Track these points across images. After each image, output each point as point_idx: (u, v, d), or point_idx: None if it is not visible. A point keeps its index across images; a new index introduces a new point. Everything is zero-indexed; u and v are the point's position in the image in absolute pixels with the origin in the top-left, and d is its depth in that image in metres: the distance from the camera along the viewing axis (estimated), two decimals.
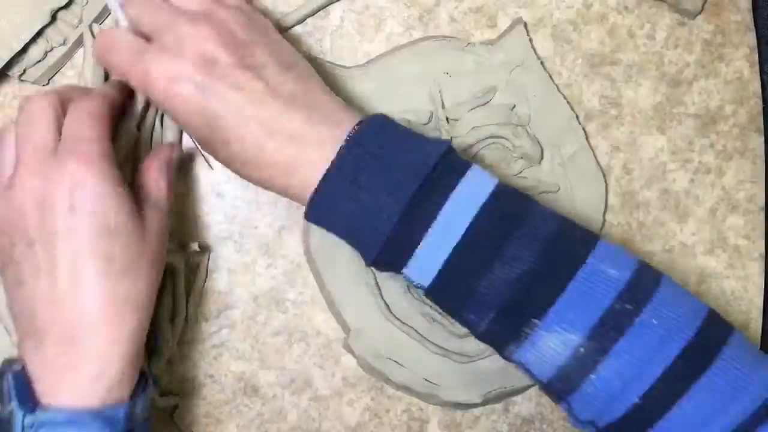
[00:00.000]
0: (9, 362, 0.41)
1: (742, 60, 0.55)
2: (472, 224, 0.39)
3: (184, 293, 0.52)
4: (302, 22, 0.54)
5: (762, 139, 0.55)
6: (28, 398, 0.38)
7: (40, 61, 0.52)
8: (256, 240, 0.54)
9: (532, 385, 0.54)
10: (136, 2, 0.44)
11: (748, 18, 0.55)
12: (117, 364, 0.40)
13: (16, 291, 0.41)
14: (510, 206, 0.40)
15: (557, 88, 0.53)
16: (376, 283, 0.53)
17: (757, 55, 0.55)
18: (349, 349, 0.53)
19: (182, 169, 0.54)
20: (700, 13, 0.54)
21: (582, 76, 0.54)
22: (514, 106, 0.53)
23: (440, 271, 0.40)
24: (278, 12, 0.54)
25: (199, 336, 0.54)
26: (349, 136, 0.40)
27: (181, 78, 0.40)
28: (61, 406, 0.39)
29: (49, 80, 0.53)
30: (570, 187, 0.53)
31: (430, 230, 0.39)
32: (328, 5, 0.54)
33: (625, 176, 0.55)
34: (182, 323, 0.52)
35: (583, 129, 0.54)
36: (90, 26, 0.50)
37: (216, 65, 0.40)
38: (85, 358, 0.39)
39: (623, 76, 0.55)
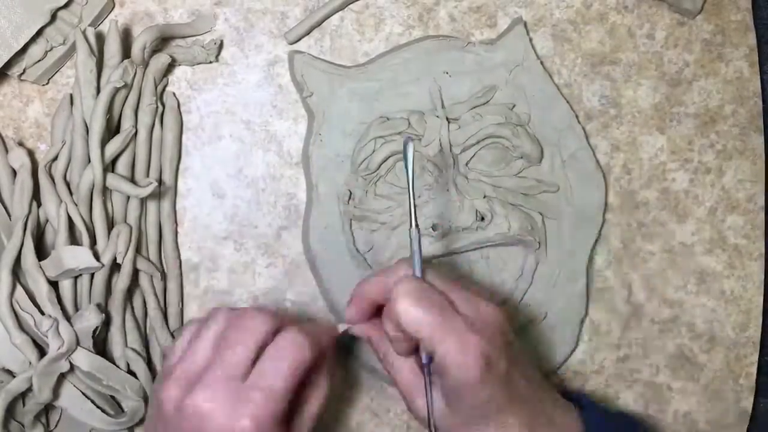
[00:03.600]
0: None
1: (742, 60, 0.55)
2: None
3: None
4: (308, 34, 0.54)
5: (762, 139, 0.55)
6: None
7: (40, 60, 0.52)
8: (256, 240, 0.54)
9: None
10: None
11: (748, 18, 0.55)
12: None
13: None
14: None
15: (557, 87, 0.53)
16: None
17: (757, 55, 0.55)
18: (348, 349, 0.53)
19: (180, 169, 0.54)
20: (699, 12, 0.54)
21: (582, 76, 0.54)
22: (514, 106, 0.53)
23: None
24: (278, 13, 0.54)
25: None
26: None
27: (490, 355, 0.42)
28: None
29: (48, 80, 0.53)
30: (570, 186, 0.53)
31: None
32: (331, 15, 0.54)
33: (625, 176, 0.55)
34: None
35: (583, 129, 0.54)
36: (84, 30, 0.50)
37: (510, 347, 0.44)
38: None
39: (623, 75, 0.55)
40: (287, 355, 0.41)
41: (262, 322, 0.42)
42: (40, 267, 0.49)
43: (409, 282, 0.43)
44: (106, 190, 0.51)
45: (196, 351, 0.42)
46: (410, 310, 0.42)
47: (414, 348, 0.45)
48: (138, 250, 0.51)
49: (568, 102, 0.53)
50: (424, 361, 0.44)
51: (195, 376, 0.41)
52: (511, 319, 0.48)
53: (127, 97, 0.51)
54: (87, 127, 0.50)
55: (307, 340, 0.42)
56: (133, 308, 0.52)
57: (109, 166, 0.51)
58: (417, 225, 0.45)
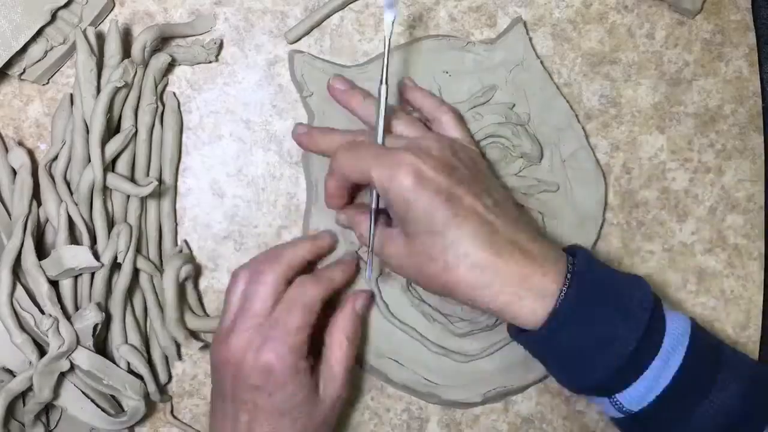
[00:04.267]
0: None
1: (741, 59, 0.55)
2: (686, 355, 0.43)
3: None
4: (308, 33, 0.54)
5: (762, 139, 0.55)
6: None
7: (40, 60, 0.52)
8: (256, 240, 0.54)
9: (532, 384, 0.54)
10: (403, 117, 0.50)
11: (748, 18, 0.55)
12: None
13: (215, 419, 0.49)
14: (707, 339, 0.45)
15: (557, 87, 0.53)
16: (376, 283, 0.52)
17: (756, 55, 0.55)
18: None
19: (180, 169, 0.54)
20: (699, 12, 0.54)
21: (581, 76, 0.54)
22: (514, 105, 0.53)
23: (657, 398, 0.43)
24: (278, 13, 0.54)
25: (199, 335, 0.53)
26: (570, 271, 0.43)
27: (421, 168, 0.44)
28: None
29: (49, 79, 0.53)
30: (570, 186, 0.53)
31: (656, 359, 0.42)
32: (331, 14, 0.54)
33: (624, 175, 0.55)
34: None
35: (583, 128, 0.54)
36: (84, 30, 0.50)
37: (455, 171, 0.45)
38: None
39: (623, 75, 0.55)
40: (297, 297, 0.47)
41: (273, 278, 0.48)
42: (40, 266, 0.49)
43: (345, 142, 0.48)
44: (106, 190, 0.51)
45: (227, 311, 0.49)
46: (341, 158, 0.46)
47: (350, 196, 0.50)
48: (138, 250, 0.51)
49: (568, 102, 0.53)
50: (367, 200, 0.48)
51: (229, 331, 0.47)
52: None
53: (127, 96, 0.51)
54: (87, 126, 0.50)
55: (314, 283, 0.48)
56: (133, 307, 0.52)
57: (110, 166, 0.51)
58: (386, 82, 0.47)
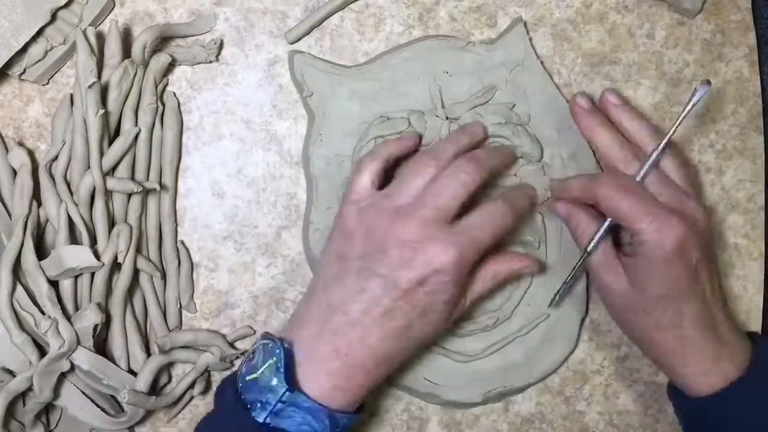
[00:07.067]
0: (277, 338, 0.46)
1: (742, 60, 0.55)
2: None
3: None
4: (308, 34, 0.54)
5: (762, 139, 0.55)
6: (291, 378, 0.44)
7: (40, 60, 0.52)
8: (256, 240, 0.54)
9: (532, 385, 0.54)
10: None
11: (748, 18, 0.55)
12: (368, 384, 0.46)
13: (333, 288, 0.46)
14: None
15: (557, 87, 0.53)
16: None
17: (756, 55, 0.55)
18: None
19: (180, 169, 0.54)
20: (699, 12, 0.54)
21: (582, 76, 0.54)
22: (514, 106, 0.53)
23: None
24: (279, 13, 0.54)
25: None
26: (753, 360, 0.48)
27: (687, 242, 0.46)
28: (308, 395, 0.44)
29: (49, 79, 0.53)
30: None
31: None
32: (331, 15, 0.54)
33: None
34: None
35: None
36: (84, 30, 0.50)
37: (707, 250, 0.48)
38: (356, 373, 0.45)
39: (623, 75, 0.55)
40: (493, 218, 0.47)
41: (473, 178, 0.47)
42: (40, 266, 0.49)
43: (612, 174, 0.49)
44: (106, 190, 0.51)
45: (409, 187, 0.47)
46: (608, 191, 0.47)
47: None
48: (138, 250, 0.51)
49: (568, 102, 0.53)
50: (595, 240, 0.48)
51: (403, 209, 0.46)
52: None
53: (127, 96, 0.51)
54: (87, 126, 0.50)
55: (510, 210, 0.48)
56: (133, 308, 0.52)
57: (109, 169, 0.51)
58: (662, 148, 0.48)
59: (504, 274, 0.50)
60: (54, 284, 0.50)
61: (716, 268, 0.50)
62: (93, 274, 0.50)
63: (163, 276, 0.53)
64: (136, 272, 0.51)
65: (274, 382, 0.44)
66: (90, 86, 0.48)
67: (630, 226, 0.46)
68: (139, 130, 0.51)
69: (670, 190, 0.48)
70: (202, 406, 0.54)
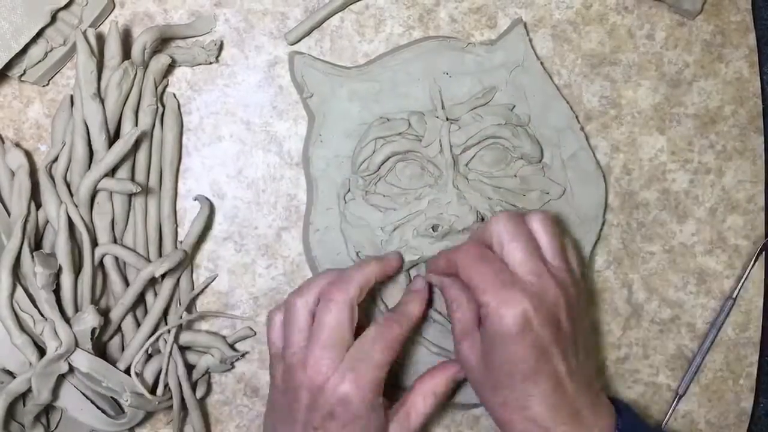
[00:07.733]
0: None
1: (741, 60, 0.55)
2: None
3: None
4: (308, 35, 0.54)
5: (762, 139, 0.55)
6: None
7: (40, 61, 0.52)
8: (256, 240, 0.54)
9: None
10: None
11: (748, 18, 0.55)
12: None
13: None
14: None
15: (557, 88, 0.53)
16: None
17: (756, 55, 0.55)
18: None
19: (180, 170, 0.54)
20: (699, 13, 0.54)
21: (582, 77, 0.54)
22: (514, 106, 0.53)
23: None
24: (279, 14, 0.54)
25: None
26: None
27: (531, 318, 0.43)
28: None
29: (49, 81, 0.53)
30: (570, 187, 0.53)
31: None
32: (331, 16, 0.54)
33: (624, 176, 0.55)
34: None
35: (583, 129, 0.54)
36: (84, 31, 0.50)
37: (559, 329, 0.44)
38: None
39: (623, 76, 0.55)
40: (384, 333, 0.47)
41: (347, 303, 0.46)
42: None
43: (472, 243, 0.47)
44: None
45: (292, 333, 0.47)
46: (465, 262, 0.46)
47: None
48: (138, 250, 0.51)
49: (568, 102, 0.53)
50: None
51: (300, 355, 0.46)
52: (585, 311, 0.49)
53: (127, 98, 0.51)
54: (87, 128, 0.50)
55: (398, 321, 0.47)
56: (134, 309, 0.52)
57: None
58: None
59: (443, 385, 0.49)
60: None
61: (581, 343, 0.46)
62: (93, 275, 0.50)
63: (163, 276, 0.53)
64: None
65: None
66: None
67: (477, 298, 0.44)
68: (141, 133, 0.51)
69: (533, 259, 0.45)
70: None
